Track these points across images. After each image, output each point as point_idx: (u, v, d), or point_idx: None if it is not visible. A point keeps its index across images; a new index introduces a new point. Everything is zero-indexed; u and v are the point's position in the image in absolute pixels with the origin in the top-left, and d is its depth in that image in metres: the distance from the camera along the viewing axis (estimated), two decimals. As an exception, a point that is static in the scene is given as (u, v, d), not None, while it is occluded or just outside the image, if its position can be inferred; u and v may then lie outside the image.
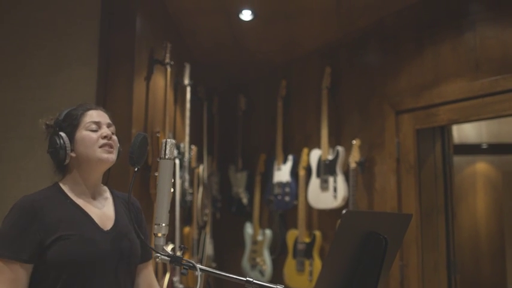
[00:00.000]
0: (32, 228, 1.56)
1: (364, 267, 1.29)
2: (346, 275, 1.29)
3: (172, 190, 1.61)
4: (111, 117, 1.82)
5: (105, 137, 1.71)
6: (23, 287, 1.54)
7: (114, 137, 1.76)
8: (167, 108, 3.52)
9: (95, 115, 1.75)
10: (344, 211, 1.20)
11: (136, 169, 1.68)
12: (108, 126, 1.76)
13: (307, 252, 4.17)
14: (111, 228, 1.71)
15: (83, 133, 1.70)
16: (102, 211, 1.75)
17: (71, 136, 1.70)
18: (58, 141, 1.68)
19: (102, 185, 1.83)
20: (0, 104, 3.12)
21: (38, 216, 1.58)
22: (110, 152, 1.72)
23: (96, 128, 1.72)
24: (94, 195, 1.76)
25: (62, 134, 1.69)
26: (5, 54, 3.18)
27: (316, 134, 4.30)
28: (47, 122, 1.76)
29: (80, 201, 1.70)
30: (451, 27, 3.40)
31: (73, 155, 1.70)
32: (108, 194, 1.84)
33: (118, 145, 1.79)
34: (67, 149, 1.68)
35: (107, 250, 1.64)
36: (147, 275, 1.87)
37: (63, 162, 1.70)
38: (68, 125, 1.72)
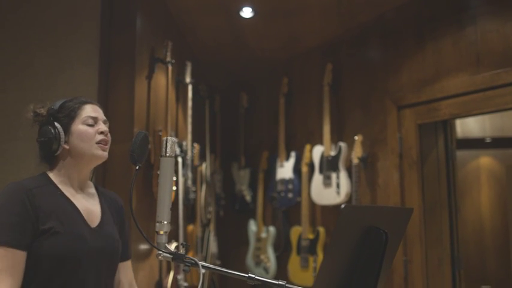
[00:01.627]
0: (28, 216, 1.55)
1: (365, 262, 1.29)
2: (347, 270, 1.29)
3: (174, 188, 1.62)
4: (105, 114, 1.83)
5: (102, 133, 1.73)
6: (20, 275, 1.53)
7: (109, 134, 1.77)
8: (169, 106, 3.52)
9: (92, 110, 1.75)
10: (343, 206, 1.20)
11: (137, 167, 1.69)
12: (105, 122, 1.77)
13: (311, 249, 4.17)
14: (98, 225, 1.72)
15: (79, 127, 1.70)
16: (89, 206, 1.74)
17: (66, 128, 1.70)
18: (53, 131, 1.67)
19: (89, 180, 1.83)
20: (2, 105, 3.13)
21: (33, 204, 1.57)
22: (105, 150, 1.73)
23: (93, 123, 1.73)
24: (82, 190, 1.77)
25: (57, 124, 1.68)
26: (6, 56, 3.19)
27: (319, 131, 4.30)
28: (37, 110, 1.74)
29: (69, 195, 1.70)
30: (452, 21, 3.39)
31: (66, 146, 1.69)
32: (93, 190, 1.83)
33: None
34: (61, 140, 1.67)
35: (94, 247, 1.65)
36: (128, 273, 1.89)
37: (54, 153, 1.69)
38: (64, 117, 1.71)
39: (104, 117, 1.78)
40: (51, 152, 1.69)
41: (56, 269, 1.58)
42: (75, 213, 1.67)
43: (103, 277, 1.71)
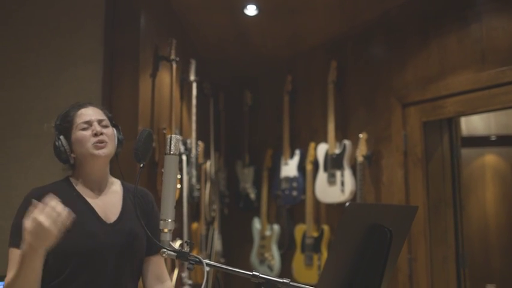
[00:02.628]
0: None
1: (369, 260, 1.29)
2: (351, 268, 1.29)
3: (179, 186, 1.62)
4: (104, 110, 1.87)
5: (95, 134, 1.76)
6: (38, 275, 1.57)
7: (106, 130, 1.80)
8: (173, 104, 3.52)
9: (85, 114, 1.80)
10: (347, 203, 1.20)
11: (142, 165, 1.69)
12: (99, 122, 1.80)
13: (316, 247, 4.17)
14: (115, 221, 1.76)
15: (76, 134, 1.77)
16: (108, 204, 1.79)
17: (68, 138, 1.78)
18: (57, 145, 1.76)
19: (111, 178, 1.88)
20: (7, 103, 3.14)
21: None
22: (101, 148, 1.76)
23: (87, 127, 1.77)
24: (101, 189, 1.82)
25: (62, 137, 1.77)
26: (10, 54, 3.19)
27: (323, 128, 4.29)
28: (53, 125, 1.84)
29: (86, 194, 1.77)
30: (457, 18, 3.38)
31: (73, 155, 1.78)
32: (118, 188, 1.88)
33: (118, 136, 1.85)
34: (67, 151, 1.77)
35: (106, 243, 1.69)
36: (155, 267, 1.89)
37: (67, 163, 1.79)
38: (64, 128, 1.79)
39: (99, 117, 1.81)
40: (64, 162, 1.80)
41: (71, 265, 1.62)
42: (88, 211, 1.73)
43: (122, 274, 1.73)
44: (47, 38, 3.19)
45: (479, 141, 5.57)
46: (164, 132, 3.33)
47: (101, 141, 1.76)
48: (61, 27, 3.20)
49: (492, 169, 5.74)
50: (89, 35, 3.20)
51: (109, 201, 1.80)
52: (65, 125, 1.78)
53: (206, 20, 4.17)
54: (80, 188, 1.78)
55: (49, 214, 1.43)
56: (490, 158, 5.77)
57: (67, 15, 3.21)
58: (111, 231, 1.72)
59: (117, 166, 1.89)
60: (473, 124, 5.52)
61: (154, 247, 1.86)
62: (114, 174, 1.93)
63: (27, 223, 1.43)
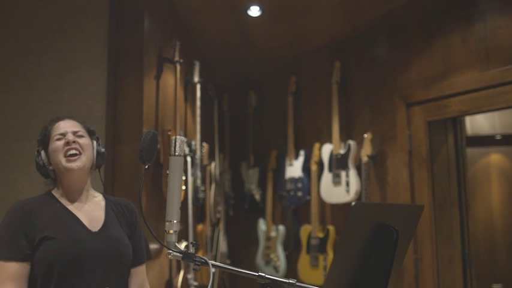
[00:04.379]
0: (23, 229, 1.64)
1: (376, 259, 1.28)
2: (357, 268, 1.28)
3: (184, 188, 1.63)
4: (84, 124, 1.87)
5: (67, 143, 1.75)
6: (23, 284, 1.61)
7: (81, 140, 1.79)
8: (178, 106, 3.53)
9: (62, 126, 1.81)
10: (353, 203, 1.20)
11: (146, 167, 1.69)
12: (74, 133, 1.80)
13: (321, 247, 4.16)
14: (99, 230, 1.76)
15: (52, 145, 1.77)
16: (92, 214, 1.80)
17: (46, 151, 1.79)
18: (37, 159, 1.78)
19: (93, 191, 1.88)
20: (11, 106, 3.15)
21: (27, 217, 1.67)
22: (73, 161, 1.75)
23: (61, 137, 1.78)
24: (84, 200, 1.82)
25: (42, 151, 1.78)
26: (14, 57, 3.20)
27: (327, 129, 4.28)
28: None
29: (69, 206, 1.78)
30: (461, 17, 3.37)
31: (51, 168, 1.79)
32: (100, 199, 1.89)
33: (97, 148, 1.84)
34: (45, 165, 1.78)
35: (94, 250, 1.69)
36: (139, 278, 1.91)
37: (47, 177, 1.81)
38: (43, 142, 1.80)
39: (74, 129, 1.81)
40: (44, 176, 1.81)
41: (59, 273, 1.62)
42: (73, 220, 1.74)
43: (110, 280, 1.73)
44: (51, 41, 3.20)
45: (484, 141, 5.55)
46: (169, 134, 3.33)
47: (73, 154, 1.75)
48: (65, 30, 3.21)
49: (497, 168, 5.72)
50: (93, 37, 3.20)
51: (92, 212, 1.80)
52: (44, 139, 1.80)
53: (210, 21, 4.17)
54: (63, 200, 1.78)
55: None
56: (495, 158, 5.75)
57: (71, 18, 3.22)
58: (96, 238, 1.72)
59: (100, 179, 1.89)
60: (478, 123, 5.50)
61: (139, 257, 1.89)
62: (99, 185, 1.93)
63: None
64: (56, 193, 1.80)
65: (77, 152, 1.76)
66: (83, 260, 1.66)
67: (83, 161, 1.77)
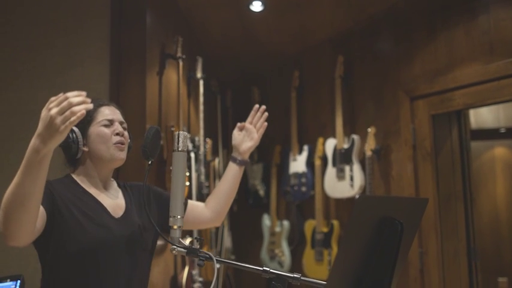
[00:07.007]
0: (50, 191, 1.59)
1: (380, 253, 1.28)
2: (362, 262, 1.28)
3: (187, 183, 1.62)
4: (123, 113, 1.85)
5: (117, 134, 1.74)
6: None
7: (126, 134, 1.79)
8: (181, 102, 3.52)
9: (108, 112, 1.78)
10: (357, 196, 1.19)
11: (150, 162, 1.69)
12: (121, 123, 1.79)
13: (326, 242, 4.16)
14: (122, 216, 1.75)
15: (96, 129, 1.73)
16: (115, 201, 1.79)
17: (84, 131, 1.73)
18: (71, 136, 1.69)
19: (111, 179, 1.86)
20: (13, 104, 3.15)
21: (53, 191, 1.62)
22: (122, 150, 1.75)
23: (109, 125, 1.75)
24: (106, 187, 1.80)
25: (75, 128, 1.71)
26: (17, 55, 3.20)
27: (331, 123, 4.27)
28: None
29: (92, 191, 1.74)
30: (464, 10, 3.35)
31: (85, 149, 1.73)
32: (116, 185, 1.87)
33: (129, 141, 1.82)
34: (79, 143, 1.71)
35: (120, 235, 1.68)
36: (195, 206, 2.09)
37: (75, 156, 1.73)
38: (81, 121, 1.71)
39: (121, 119, 1.81)
40: (72, 155, 1.74)
41: (87, 259, 1.61)
42: (98, 207, 1.71)
43: (139, 263, 1.73)
44: (53, 38, 3.19)
45: (489, 134, 5.53)
46: (172, 130, 3.33)
47: (122, 143, 1.75)
48: (67, 28, 3.21)
49: (502, 162, 5.70)
50: (95, 34, 3.20)
51: (113, 198, 1.79)
52: (83, 119, 1.70)
53: (212, 17, 4.16)
54: (86, 186, 1.74)
55: (60, 102, 1.39)
56: (500, 151, 5.73)
57: (73, 16, 3.22)
58: (120, 224, 1.71)
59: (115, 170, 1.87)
60: (482, 117, 5.48)
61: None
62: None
63: (42, 111, 1.39)
64: (77, 177, 1.75)
65: (124, 144, 1.76)
66: (110, 245, 1.65)
67: (125, 154, 1.78)
